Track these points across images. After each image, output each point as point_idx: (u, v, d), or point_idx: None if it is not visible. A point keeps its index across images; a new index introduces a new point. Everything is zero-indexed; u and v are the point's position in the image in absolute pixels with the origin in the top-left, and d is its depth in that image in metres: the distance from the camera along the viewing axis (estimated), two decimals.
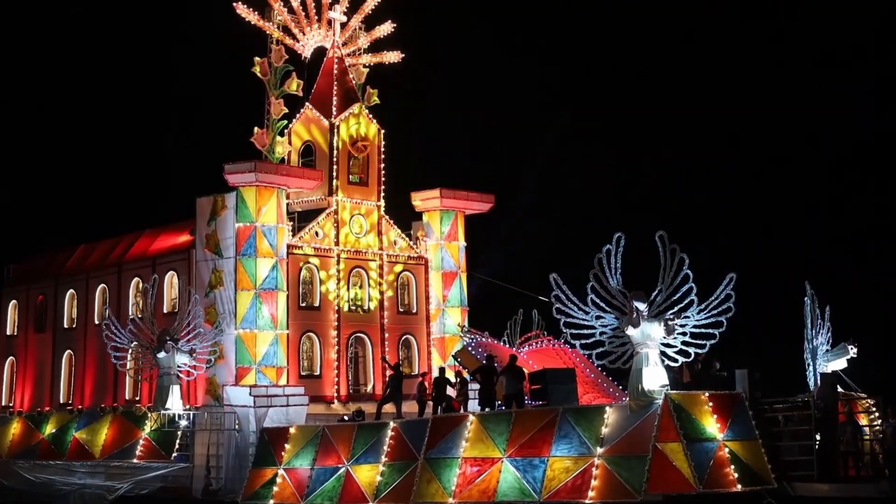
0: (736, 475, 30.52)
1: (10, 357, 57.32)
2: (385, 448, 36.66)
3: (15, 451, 50.65)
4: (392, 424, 37.23)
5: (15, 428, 51.52)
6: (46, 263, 57.75)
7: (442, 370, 41.22)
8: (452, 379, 41.43)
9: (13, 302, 58.14)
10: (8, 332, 57.98)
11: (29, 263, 59.89)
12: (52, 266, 56.65)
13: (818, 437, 32.84)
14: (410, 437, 36.24)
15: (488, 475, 33.45)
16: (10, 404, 56.18)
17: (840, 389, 35.00)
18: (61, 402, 53.07)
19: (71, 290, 54.15)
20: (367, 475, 36.66)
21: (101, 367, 50.45)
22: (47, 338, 54.97)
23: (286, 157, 48.39)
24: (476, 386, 39.21)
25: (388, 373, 42.36)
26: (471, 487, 33.64)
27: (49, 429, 49.58)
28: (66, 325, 54.17)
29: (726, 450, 30.86)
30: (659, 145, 75.91)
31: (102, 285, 52.05)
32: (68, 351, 53.53)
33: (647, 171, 75.45)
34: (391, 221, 50.06)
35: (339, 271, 47.52)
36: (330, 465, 38.04)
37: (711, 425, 31.03)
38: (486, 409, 36.59)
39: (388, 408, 40.59)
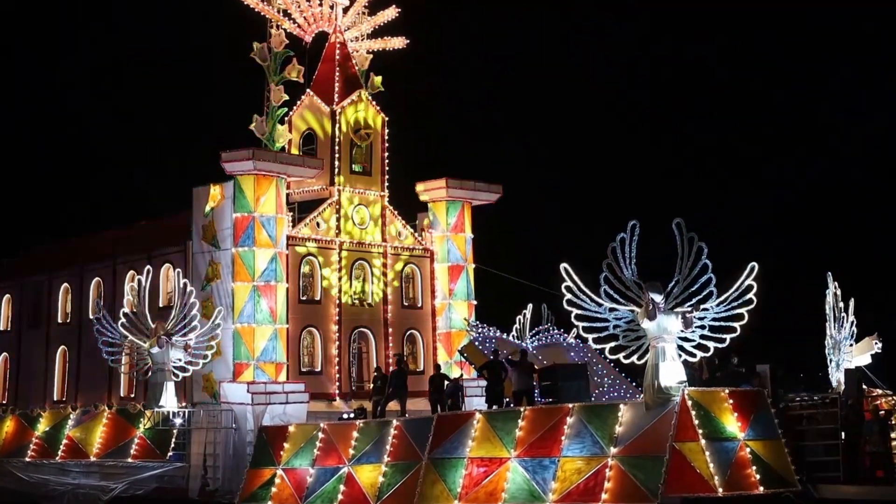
0: (758, 476, 29.33)
1: (3, 353, 56.16)
2: (388, 447, 35.46)
3: (8, 450, 49.44)
4: (395, 423, 36.03)
5: (8, 426, 50.36)
6: (40, 257, 56.61)
7: (437, 367, 39.70)
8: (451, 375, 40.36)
9: (6, 296, 56.98)
10: (1, 328, 56.68)
11: (22, 257, 58.79)
12: (46, 259, 55.47)
13: (843, 436, 31.52)
14: (414, 436, 35.08)
15: (496, 476, 32.24)
16: (4, 402, 54.96)
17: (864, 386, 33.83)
18: (55, 399, 51.88)
19: (65, 284, 52.94)
20: (369, 476, 35.48)
21: (95, 364, 49.02)
22: (41, 333, 53.73)
23: (286, 146, 47.03)
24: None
25: (392, 368, 40.95)
26: (477, 489, 32.49)
27: (42, 427, 48.40)
28: (60, 321, 53.00)
29: (748, 450, 29.66)
30: (675, 132, 74.95)
31: (97, 279, 50.83)
32: (62, 347, 52.29)
33: (665, 157, 74.39)
34: (395, 212, 48.74)
35: (340, 264, 46.08)
36: (330, 466, 36.91)
37: (732, 424, 29.80)
38: (494, 407, 35.25)
39: (392, 405, 39.22)
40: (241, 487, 39.08)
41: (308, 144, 47.88)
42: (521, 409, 33.31)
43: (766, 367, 33.37)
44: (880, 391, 34.42)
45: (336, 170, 46.76)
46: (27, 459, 47.64)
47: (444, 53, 70.59)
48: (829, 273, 34.70)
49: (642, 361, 30.74)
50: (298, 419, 41.10)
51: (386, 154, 48.55)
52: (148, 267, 45.07)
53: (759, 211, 71.75)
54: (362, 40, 50.43)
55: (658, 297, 29.98)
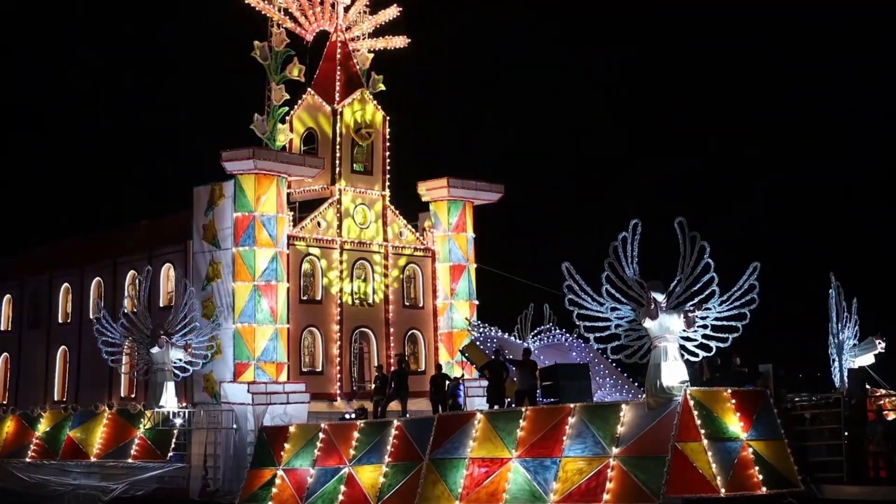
0: (760, 477, 28.94)
1: (4, 353, 55.95)
2: (388, 448, 35.17)
3: (8, 450, 49.21)
4: (396, 423, 35.74)
5: (8, 427, 50.12)
6: (41, 257, 56.45)
7: (438, 367, 39.72)
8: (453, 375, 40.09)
9: (7, 296, 56.92)
10: (1, 328, 56.65)
11: (23, 257, 58.61)
12: (47, 259, 55.31)
13: (846, 436, 31.24)
14: (415, 436, 34.79)
15: (497, 477, 31.94)
16: (4, 402, 54.77)
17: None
18: (55, 399, 51.72)
19: (66, 284, 52.86)
20: (370, 476, 35.19)
21: (96, 364, 48.87)
22: (41, 333, 53.60)
23: (287, 145, 46.80)
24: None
25: (392, 368, 40.76)
26: (478, 490, 32.17)
27: (43, 427, 48.11)
28: (60, 321, 52.89)
29: (750, 450, 29.28)
30: (679, 129, 74.65)
31: (97, 279, 50.69)
32: (63, 347, 52.15)
33: (668, 156, 74.10)
34: (396, 212, 48.55)
35: (341, 263, 45.86)
36: (331, 466, 36.61)
37: (734, 424, 29.45)
38: (495, 407, 35.01)
39: (393, 405, 38.99)
40: (242, 488, 38.80)
41: (309, 144, 47.70)
42: (523, 410, 33.05)
43: (768, 367, 33.02)
44: (883, 391, 34.18)
45: (337, 169, 46.57)
46: (27, 460, 47.36)
47: (446, 52, 70.31)
48: (832, 272, 34.43)
49: (644, 361, 30.53)
50: (299, 419, 40.90)
51: (387, 153, 48.34)
52: (148, 267, 44.96)
53: (761, 209, 71.54)
54: (363, 39, 50.22)
55: (660, 297, 29.73)
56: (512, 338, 42.80)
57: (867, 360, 35.28)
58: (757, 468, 28.98)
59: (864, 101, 72.48)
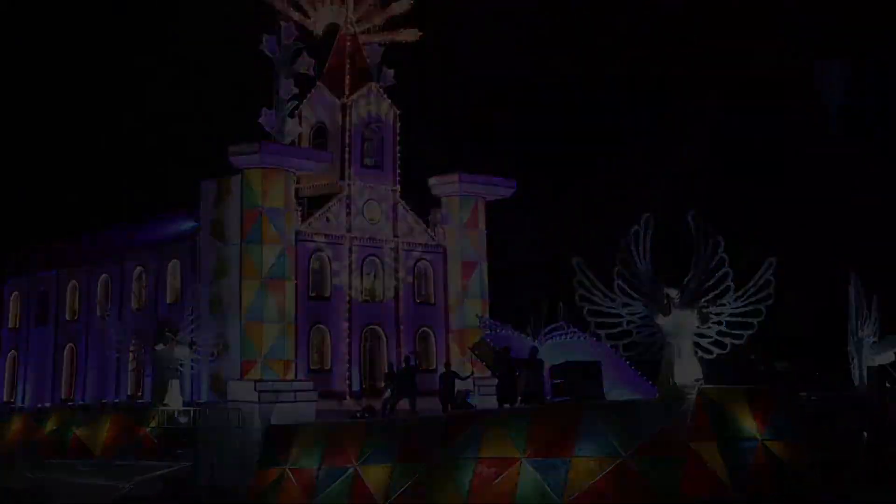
0: (776, 477, 28.20)
1: (12, 351, 55.70)
2: (396, 447, 34.66)
3: (15, 448, 48.94)
4: (404, 422, 35.20)
5: (15, 425, 49.89)
6: (48, 254, 56.03)
7: (447, 364, 39.21)
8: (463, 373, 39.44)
9: (14, 293, 56.63)
10: (9, 325, 56.33)
11: (30, 254, 58.24)
12: (55, 257, 54.95)
13: (865, 437, 30.66)
14: (424, 435, 34.36)
15: (506, 477, 31.47)
16: (12, 400, 54.40)
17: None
18: (63, 397, 51.35)
19: (73, 281, 52.39)
20: (378, 476, 34.72)
21: (102, 362, 48.65)
22: (49, 331, 53.29)
23: (297, 139, 46.15)
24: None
25: (402, 366, 40.12)
26: (487, 490, 31.57)
27: (50, 426, 47.85)
28: (67, 318, 52.50)
29: (765, 450, 28.61)
30: (693, 122, 73.88)
31: (105, 276, 50.18)
32: (70, 344, 51.72)
33: (681, 151, 73.26)
34: (407, 207, 47.86)
35: (351, 259, 45.24)
36: (338, 465, 36.14)
37: (750, 423, 28.90)
38: (506, 406, 34.38)
39: (402, 404, 38.38)
40: (249, 487, 38.45)
41: (319, 138, 47.09)
42: (533, 409, 32.49)
43: (785, 365, 32.47)
44: None
45: (347, 163, 45.92)
46: (34, 458, 47.13)
47: (458, 46, 69.62)
48: (851, 270, 33.85)
49: (657, 358, 29.94)
50: (307, 418, 40.35)
51: (398, 148, 47.70)
52: (155, 264, 44.51)
53: (775, 205, 70.77)
54: (374, 32, 49.56)
55: (673, 292, 29.22)
56: (524, 336, 42.09)
57: (887, 358, 34.74)
58: (772, 468, 28.39)
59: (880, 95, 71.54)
